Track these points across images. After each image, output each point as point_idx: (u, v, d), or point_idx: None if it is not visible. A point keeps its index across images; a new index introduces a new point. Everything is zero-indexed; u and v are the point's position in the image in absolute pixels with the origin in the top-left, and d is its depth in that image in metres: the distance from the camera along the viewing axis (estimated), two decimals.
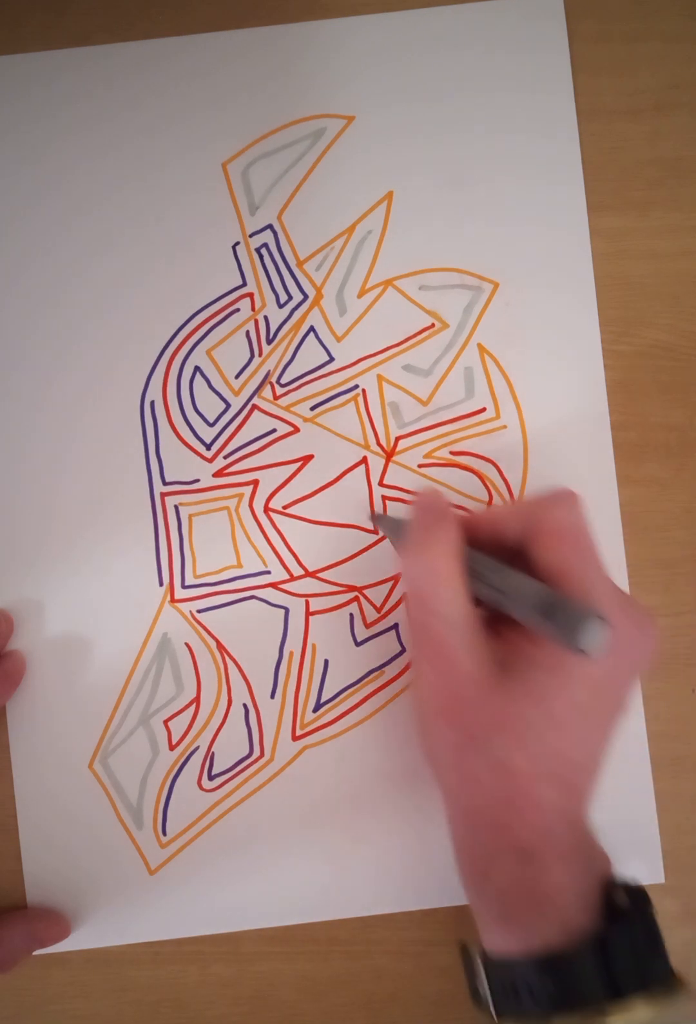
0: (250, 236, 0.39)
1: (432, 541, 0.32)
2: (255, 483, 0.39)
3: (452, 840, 0.33)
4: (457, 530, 0.32)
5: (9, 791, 0.37)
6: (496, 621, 0.33)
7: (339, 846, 0.37)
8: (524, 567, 0.32)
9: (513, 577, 0.31)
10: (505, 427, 0.39)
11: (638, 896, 0.31)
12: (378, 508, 0.38)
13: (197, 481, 0.39)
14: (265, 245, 0.39)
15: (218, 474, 0.39)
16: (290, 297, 0.39)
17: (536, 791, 0.30)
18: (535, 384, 0.39)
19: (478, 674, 0.31)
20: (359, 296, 0.39)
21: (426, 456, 0.39)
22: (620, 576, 0.38)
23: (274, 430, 0.39)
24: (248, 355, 0.39)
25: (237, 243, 0.39)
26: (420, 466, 0.39)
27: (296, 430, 0.39)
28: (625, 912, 0.30)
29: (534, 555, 0.32)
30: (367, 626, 0.38)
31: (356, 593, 0.38)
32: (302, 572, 0.38)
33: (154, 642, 0.38)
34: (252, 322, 0.39)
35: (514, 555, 0.32)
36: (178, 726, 0.38)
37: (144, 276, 0.39)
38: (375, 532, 0.38)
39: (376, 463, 0.39)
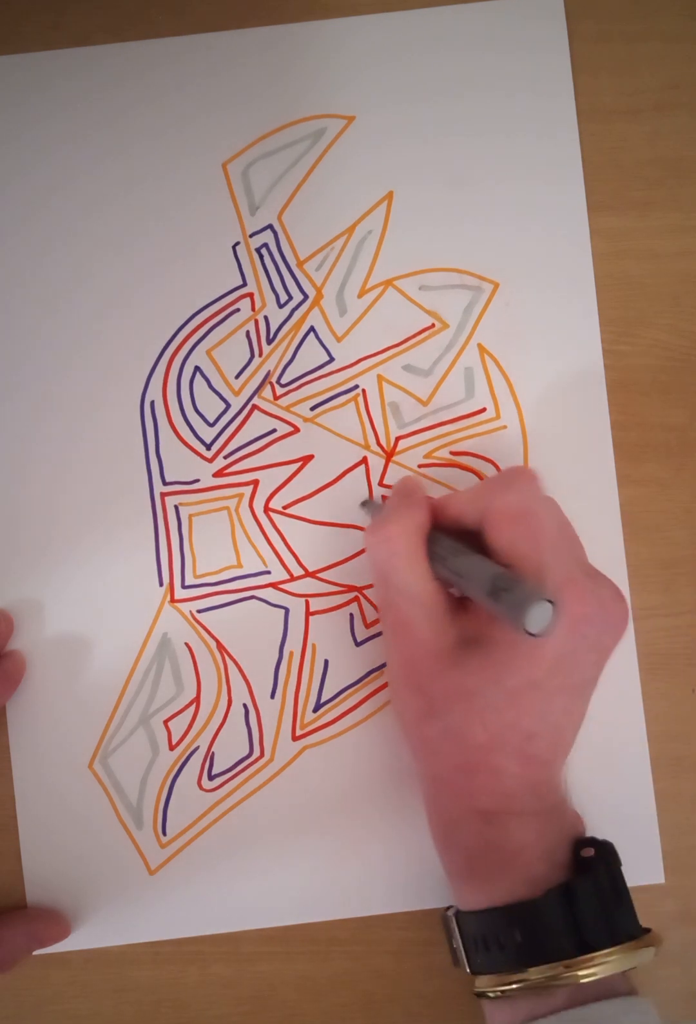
0: (250, 236, 0.39)
1: (395, 519, 0.33)
2: (255, 483, 0.39)
3: (424, 803, 0.34)
4: (423, 512, 0.34)
5: (9, 791, 0.37)
6: (468, 599, 0.34)
7: (339, 846, 0.37)
8: (485, 550, 0.32)
9: (469, 560, 0.32)
10: (505, 427, 0.39)
11: (605, 849, 0.32)
12: (365, 503, 0.38)
13: (197, 481, 0.39)
14: (265, 245, 0.39)
15: (218, 474, 0.39)
16: (290, 297, 0.39)
17: (494, 761, 0.31)
18: (535, 384, 0.39)
19: (438, 647, 0.32)
20: (359, 296, 0.39)
21: (426, 456, 0.39)
22: (620, 576, 0.38)
23: (274, 430, 0.39)
24: (248, 355, 0.39)
25: (237, 243, 0.39)
26: (420, 466, 0.39)
27: (296, 430, 0.39)
28: (591, 864, 0.31)
29: (488, 538, 0.32)
30: (367, 626, 0.38)
31: (356, 593, 0.38)
32: (302, 572, 0.38)
33: (154, 642, 0.38)
34: (252, 322, 0.39)
35: (479, 538, 0.33)
36: (178, 726, 0.38)
37: (144, 276, 0.39)
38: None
39: (376, 463, 0.39)
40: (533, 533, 0.32)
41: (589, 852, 0.32)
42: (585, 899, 0.30)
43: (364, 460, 0.39)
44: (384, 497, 0.39)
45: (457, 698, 0.32)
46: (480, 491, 0.34)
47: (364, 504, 0.38)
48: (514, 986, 0.30)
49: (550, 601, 0.29)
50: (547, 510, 0.33)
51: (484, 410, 0.39)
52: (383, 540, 0.33)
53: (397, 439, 0.39)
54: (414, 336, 0.39)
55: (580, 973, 0.30)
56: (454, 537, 0.34)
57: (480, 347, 0.39)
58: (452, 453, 0.39)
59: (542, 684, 0.31)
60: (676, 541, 0.39)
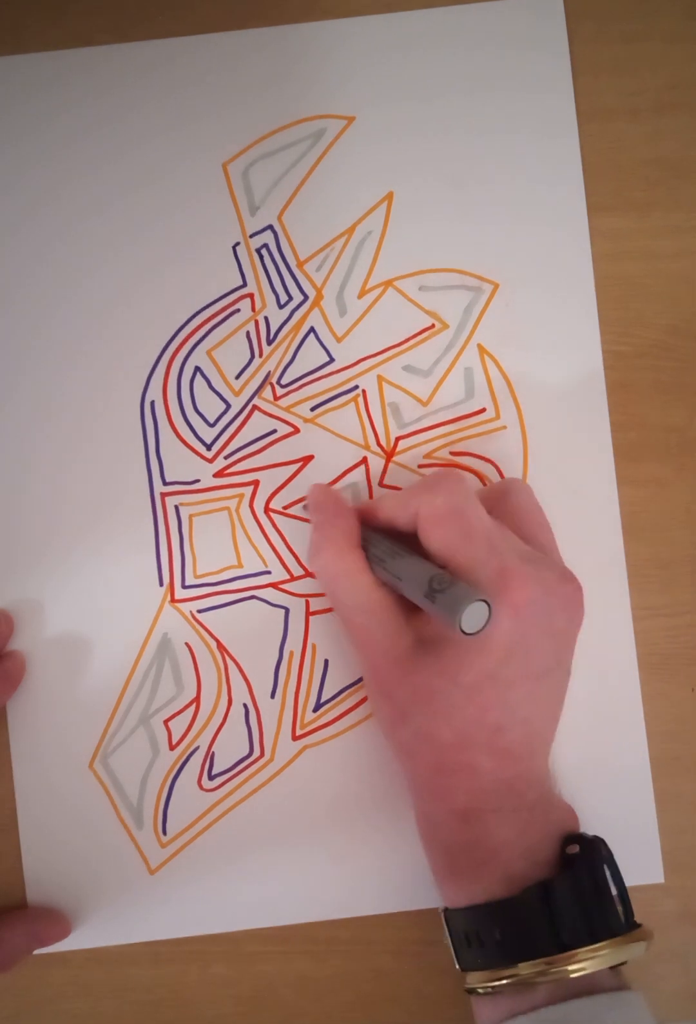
0: (250, 237, 0.40)
1: (322, 543, 0.34)
2: (255, 483, 0.39)
3: (412, 803, 0.35)
4: (346, 519, 0.34)
5: (9, 791, 0.37)
6: None
7: (339, 846, 0.37)
8: (420, 551, 0.33)
9: (405, 562, 0.32)
10: (505, 427, 0.39)
11: (590, 846, 0.32)
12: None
13: (197, 481, 0.39)
14: (265, 246, 0.39)
15: (218, 474, 0.39)
16: (290, 298, 0.39)
17: (466, 759, 0.32)
18: (535, 384, 0.39)
19: (397, 653, 0.32)
20: (359, 297, 0.39)
21: (426, 456, 0.39)
22: (619, 576, 0.38)
23: (274, 431, 0.39)
24: (248, 356, 0.39)
25: (237, 244, 0.39)
26: (420, 466, 0.39)
27: (296, 431, 0.39)
28: (573, 861, 0.31)
29: (421, 541, 0.33)
30: None
31: None
32: (302, 572, 0.38)
33: (154, 642, 0.38)
34: (252, 323, 0.39)
35: (413, 539, 0.33)
36: (178, 726, 0.38)
37: (144, 276, 0.39)
38: None
39: (376, 463, 0.39)
40: (462, 532, 0.32)
41: (575, 849, 0.32)
42: (562, 897, 0.31)
43: (364, 460, 0.39)
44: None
45: (421, 701, 0.32)
46: (407, 495, 0.34)
47: (306, 507, 0.38)
48: (501, 982, 0.31)
49: (484, 600, 0.29)
50: (475, 509, 0.32)
51: (484, 410, 0.39)
52: (320, 567, 0.34)
53: (397, 439, 0.39)
54: (414, 336, 0.39)
55: (566, 969, 0.30)
56: (391, 538, 0.34)
57: (480, 347, 0.39)
58: (452, 453, 0.39)
59: (497, 675, 0.31)
60: (676, 541, 0.39)
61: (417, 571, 0.31)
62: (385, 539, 0.34)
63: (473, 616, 0.29)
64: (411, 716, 0.32)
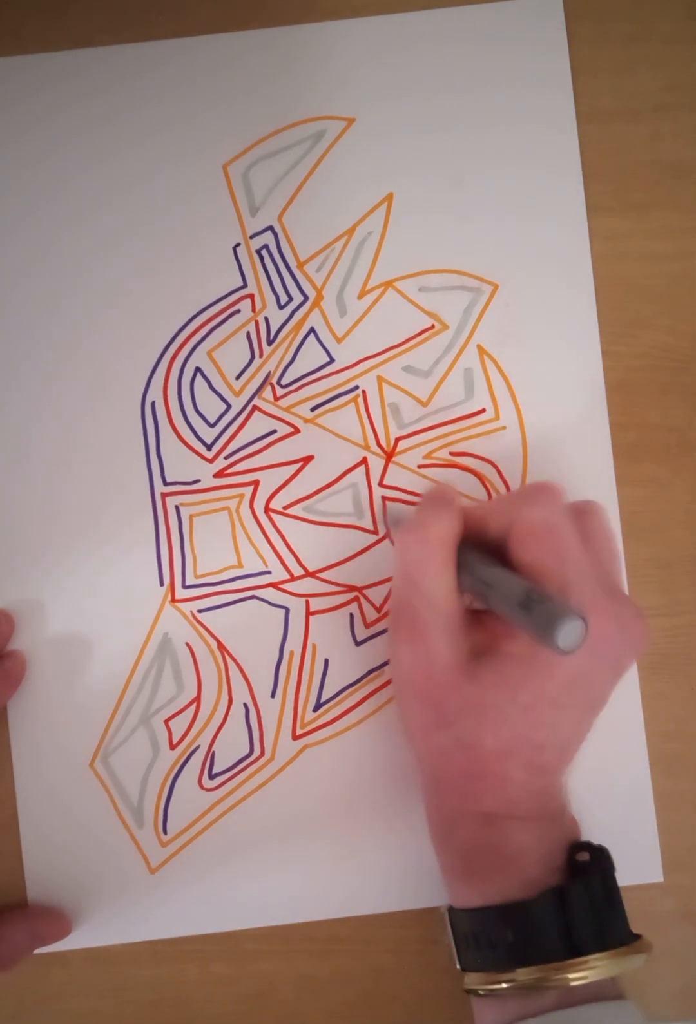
0: (251, 237, 0.40)
1: (432, 523, 0.33)
2: (256, 483, 0.39)
3: (423, 800, 0.35)
4: (458, 521, 0.33)
5: (10, 790, 0.37)
6: (481, 611, 0.34)
7: (339, 845, 0.37)
8: (509, 564, 0.32)
9: (497, 572, 0.32)
10: (505, 428, 0.39)
11: (599, 855, 0.32)
12: (388, 508, 0.38)
13: (198, 481, 0.39)
14: (266, 246, 0.40)
15: (219, 474, 0.39)
16: (290, 298, 0.39)
17: (502, 768, 0.32)
18: (535, 385, 0.39)
19: (452, 660, 0.32)
20: (359, 297, 0.39)
21: (426, 457, 0.39)
22: (620, 576, 0.38)
23: (274, 431, 0.39)
24: (249, 356, 0.39)
25: (238, 244, 0.40)
26: (420, 467, 0.39)
27: (296, 431, 0.39)
28: (585, 868, 0.31)
29: (512, 554, 0.32)
30: (367, 626, 0.38)
31: (356, 593, 0.38)
32: (302, 572, 0.38)
33: (155, 642, 0.38)
34: (253, 323, 0.39)
35: (501, 551, 0.33)
36: (179, 725, 0.38)
37: (145, 277, 0.39)
38: (375, 532, 0.38)
39: (376, 464, 0.39)
40: (557, 550, 0.31)
41: (584, 856, 0.32)
42: (577, 903, 0.31)
43: (364, 461, 0.39)
44: (385, 499, 0.39)
45: (469, 711, 0.31)
46: (505, 504, 0.34)
47: (386, 512, 0.38)
48: (503, 985, 0.31)
49: (582, 619, 0.28)
50: (570, 528, 0.32)
51: (483, 411, 0.39)
52: (420, 541, 0.33)
53: (397, 440, 0.39)
54: (414, 337, 0.39)
55: (569, 976, 0.30)
56: (479, 549, 0.33)
57: (480, 348, 0.39)
58: (452, 454, 0.39)
59: (557, 700, 0.31)
60: (676, 541, 0.39)
61: (512, 581, 0.31)
62: (473, 548, 0.33)
63: (569, 633, 0.28)
64: (455, 723, 0.32)
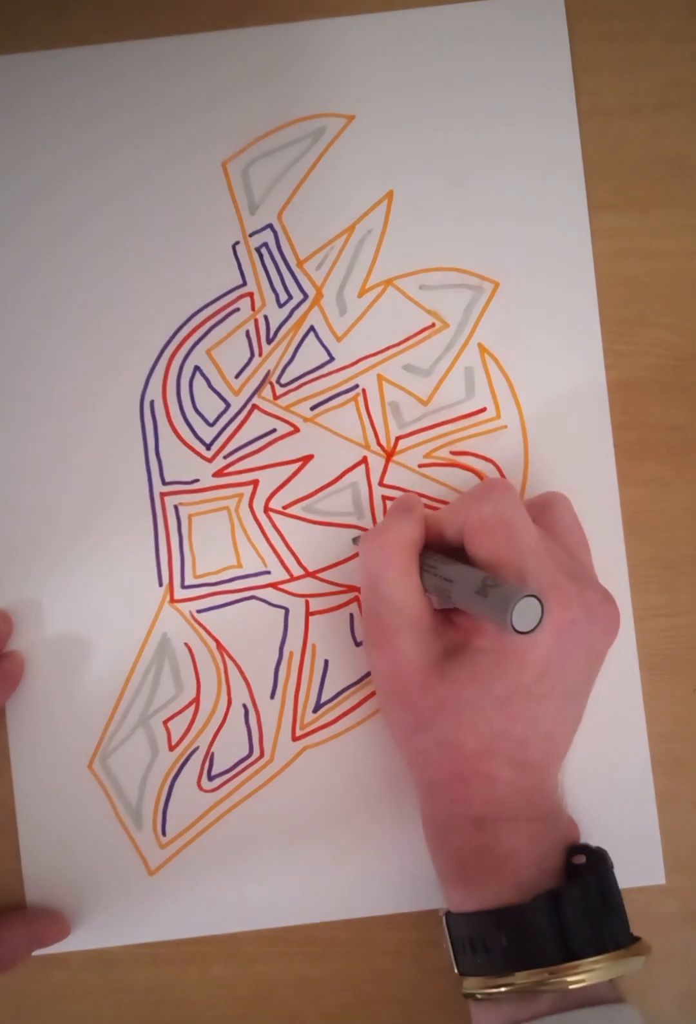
0: (250, 235, 0.39)
1: (394, 528, 0.34)
2: (255, 483, 0.39)
3: (418, 805, 0.35)
4: (420, 527, 0.34)
5: (9, 791, 0.37)
6: (452, 612, 0.34)
7: (339, 846, 0.37)
8: (471, 563, 0.33)
9: (456, 568, 0.32)
10: (505, 427, 0.39)
11: (596, 857, 0.32)
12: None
13: (197, 481, 0.39)
14: (265, 244, 0.39)
15: (218, 474, 0.39)
16: (290, 297, 0.39)
17: (486, 767, 0.32)
18: (535, 384, 0.39)
19: (422, 662, 0.32)
20: (359, 296, 0.39)
21: (426, 456, 0.39)
22: (620, 576, 0.38)
23: (274, 430, 0.39)
24: (248, 355, 0.39)
25: (237, 242, 0.39)
26: (420, 466, 0.39)
27: (296, 430, 0.39)
28: (581, 871, 0.31)
29: (469, 551, 0.33)
30: None
31: (356, 593, 0.38)
32: (302, 572, 0.38)
33: (154, 642, 0.38)
34: (252, 322, 0.39)
35: (463, 552, 0.33)
36: (178, 726, 0.38)
37: (144, 275, 0.39)
38: None
39: (376, 463, 0.39)
40: (511, 541, 0.32)
41: (581, 859, 0.32)
42: (572, 907, 0.30)
43: (364, 460, 0.39)
44: (385, 499, 0.38)
45: (446, 710, 0.32)
46: (457, 505, 0.34)
47: (355, 541, 0.38)
48: (502, 989, 0.30)
49: (537, 597, 0.29)
50: (524, 519, 0.32)
51: (484, 410, 0.39)
52: (380, 547, 0.33)
53: (397, 439, 0.39)
54: (414, 336, 0.39)
55: (566, 979, 0.30)
56: (441, 552, 0.34)
57: (480, 347, 0.39)
58: (452, 453, 0.39)
59: (531, 690, 0.31)
60: (676, 541, 0.39)
61: (469, 573, 0.31)
62: (433, 551, 0.34)
63: (526, 613, 0.29)
64: (434, 725, 0.32)
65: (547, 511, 0.35)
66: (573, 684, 0.33)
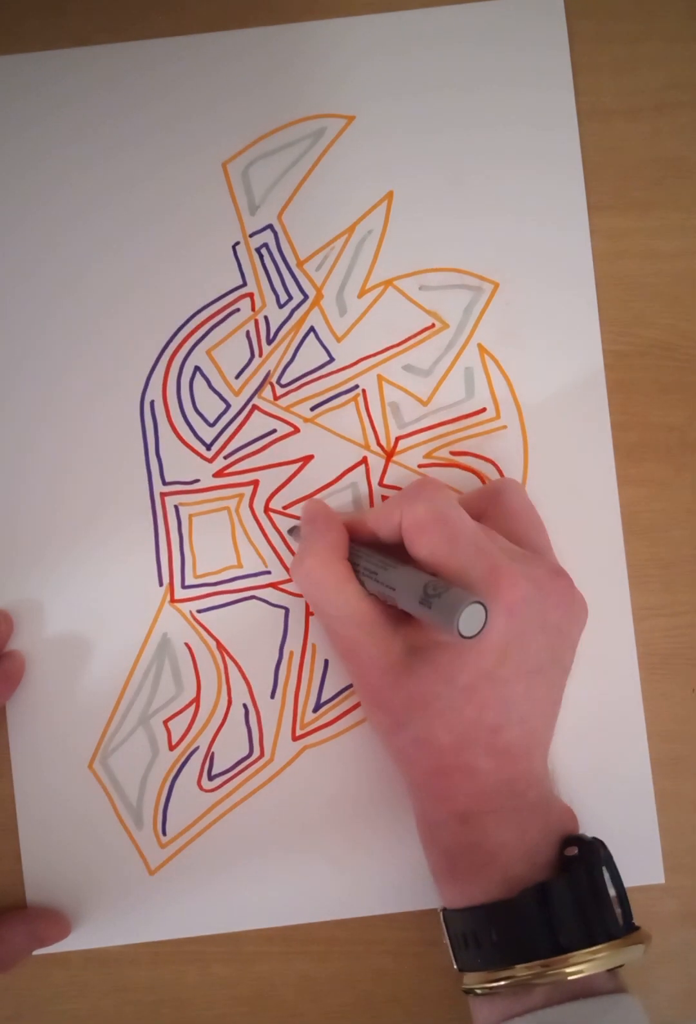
0: (250, 236, 0.39)
1: (309, 549, 0.34)
2: (255, 483, 0.39)
3: (411, 806, 0.35)
4: (334, 532, 0.34)
5: (9, 791, 0.37)
6: None
7: (339, 846, 0.37)
8: (410, 561, 0.33)
9: (397, 572, 0.32)
10: (505, 427, 0.39)
11: (588, 848, 0.32)
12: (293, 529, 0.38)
13: (197, 481, 0.39)
14: (265, 245, 0.39)
15: (218, 474, 0.39)
16: (290, 297, 0.39)
17: (464, 760, 0.32)
18: (535, 384, 0.39)
19: (387, 661, 0.33)
20: (359, 296, 0.39)
21: (426, 456, 0.39)
22: (619, 576, 0.38)
23: (274, 430, 0.39)
24: (248, 355, 0.39)
25: (237, 243, 0.39)
26: (420, 466, 0.39)
27: (296, 430, 0.39)
28: (571, 864, 0.31)
29: (408, 551, 0.33)
30: None
31: None
32: None
33: (154, 642, 0.38)
34: (252, 322, 0.39)
35: (402, 553, 0.33)
36: (178, 726, 0.38)
37: (144, 276, 0.39)
38: None
39: (376, 463, 0.39)
40: (447, 536, 0.32)
41: (574, 851, 0.32)
42: (559, 899, 0.31)
43: (364, 460, 0.39)
44: (385, 499, 0.38)
45: (416, 707, 0.32)
46: (389, 507, 0.34)
47: (291, 531, 0.38)
48: (501, 982, 0.31)
49: (480, 602, 0.29)
50: (457, 512, 0.32)
51: (484, 410, 0.39)
52: (306, 572, 0.34)
53: (397, 439, 0.39)
54: (414, 336, 0.39)
55: (563, 971, 0.30)
56: (380, 552, 0.34)
57: (480, 347, 0.39)
58: (452, 453, 0.39)
59: (495, 674, 0.31)
60: (676, 541, 0.39)
61: (410, 580, 0.31)
62: (374, 553, 0.34)
63: (470, 619, 0.29)
64: (408, 723, 0.32)
65: (496, 498, 0.35)
66: (538, 662, 0.32)
